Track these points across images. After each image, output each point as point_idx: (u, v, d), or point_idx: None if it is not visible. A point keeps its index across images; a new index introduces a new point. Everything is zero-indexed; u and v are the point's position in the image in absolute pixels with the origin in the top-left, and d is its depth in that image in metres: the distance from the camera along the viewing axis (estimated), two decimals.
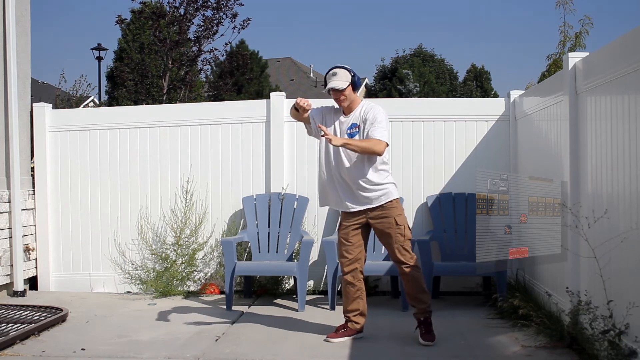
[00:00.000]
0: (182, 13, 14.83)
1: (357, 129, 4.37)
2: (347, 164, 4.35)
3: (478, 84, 44.54)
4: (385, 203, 4.38)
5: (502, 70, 73.51)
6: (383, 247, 5.14)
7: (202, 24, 15.00)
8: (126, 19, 16.44)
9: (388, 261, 5.44)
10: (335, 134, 4.39)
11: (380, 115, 4.31)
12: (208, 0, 14.91)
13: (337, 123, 4.45)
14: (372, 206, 4.38)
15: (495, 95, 38.25)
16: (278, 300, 6.05)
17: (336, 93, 4.36)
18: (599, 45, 4.21)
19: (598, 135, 4.13)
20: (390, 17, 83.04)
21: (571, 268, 4.45)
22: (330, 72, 4.40)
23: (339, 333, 4.55)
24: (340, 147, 4.27)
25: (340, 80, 4.33)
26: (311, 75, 45.63)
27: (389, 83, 38.08)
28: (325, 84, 4.43)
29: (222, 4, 14.98)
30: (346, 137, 4.33)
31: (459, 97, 37.60)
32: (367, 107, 4.40)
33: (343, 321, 4.62)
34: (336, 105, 4.52)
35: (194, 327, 5.01)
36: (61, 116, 6.87)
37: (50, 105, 6.90)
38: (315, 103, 6.90)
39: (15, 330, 4.65)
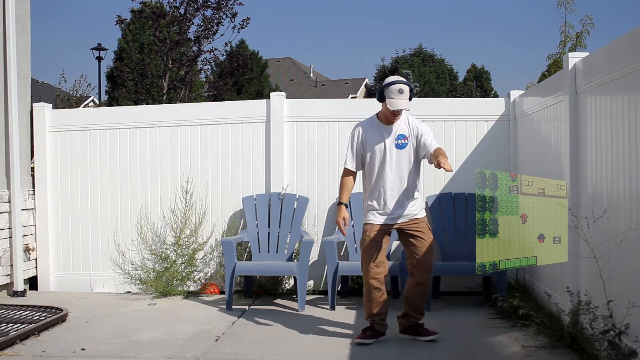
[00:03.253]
0: (182, 13, 14.82)
1: (406, 140, 4.45)
2: (405, 177, 4.46)
3: (478, 84, 44.55)
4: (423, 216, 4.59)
5: (502, 70, 73.60)
6: None
7: (202, 23, 14.99)
8: (126, 19, 16.41)
9: (389, 261, 5.42)
10: (386, 146, 4.46)
11: (428, 128, 4.53)
12: (208, 0, 14.91)
13: (387, 137, 4.47)
14: (419, 217, 4.53)
15: (495, 95, 38.22)
16: (278, 300, 6.05)
17: (399, 111, 4.39)
18: (599, 45, 4.21)
19: (598, 135, 4.13)
20: (391, 17, 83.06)
21: (571, 268, 4.45)
22: (397, 87, 4.33)
23: (368, 334, 4.51)
24: (398, 166, 4.44)
25: (407, 99, 4.34)
26: (311, 75, 45.64)
27: None
28: (383, 93, 4.37)
29: (222, 3, 14.97)
30: (394, 147, 4.44)
31: (459, 97, 37.57)
32: (413, 121, 4.52)
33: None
34: (369, 122, 4.57)
35: (194, 327, 5.01)
36: (61, 116, 6.87)
37: (50, 105, 6.90)
38: (318, 103, 6.91)
39: (15, 330, 4.65)
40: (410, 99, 4.37)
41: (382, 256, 4.51)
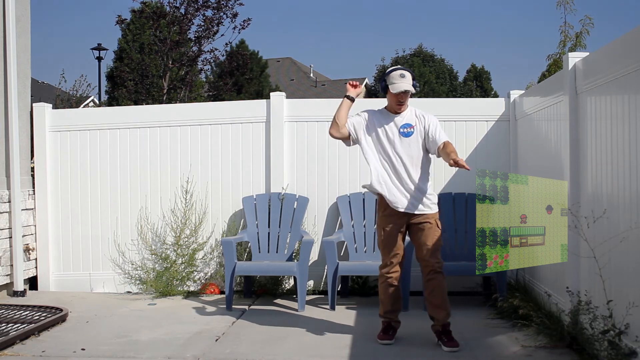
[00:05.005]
0: (182, 13, 14.82)
1: (412, 129, 4.40)
2: (414, 171, 4.41)
3: (478, 84, 44.55)
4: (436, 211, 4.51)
5: (502, 70, 73.61)
6: None
7: (203, 24, 14.99)
8: (126, 19, 16.41)
9: None
10: (391, 134, 4.41)
11: (436, 120, 4.48)
12: (208, 0, 14.91)
13: (392, 124, 4.43)
14: (432, 212, 4.45)
15: (495, 95, 38.22)
16: (278, 300, 6.05)
17: (403, 95, 4.36)
18: (599, 45, 4.21)
19: (598, 135, 4.13)
20: (391, 17, 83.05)
21: (571, 268, 4.45)
22: (398, 72, 4.36)
23: (390, 334, 4.50)
24: (404, 154, 4.38)
25: (409, 83, 4.35)
26: (311, 75, 45.64)
27: None
28: (384, 81, 4.40)
29: (223, 4, 14.97)
30: (399, 135, 4.40)
31: (459, 97, 37.57)
32: (420, 112, 4.49)
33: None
34: (376, 108, 4.54)
35: (194, 327, 5.01)
36: (61, 116, 6.87)
37: (50, 105, 6.90)
38: (318, 103, 6.92)
39: (15, 330, 4.65)
40: (414, 87, 4.35)
41: (401, 251, 4.48)
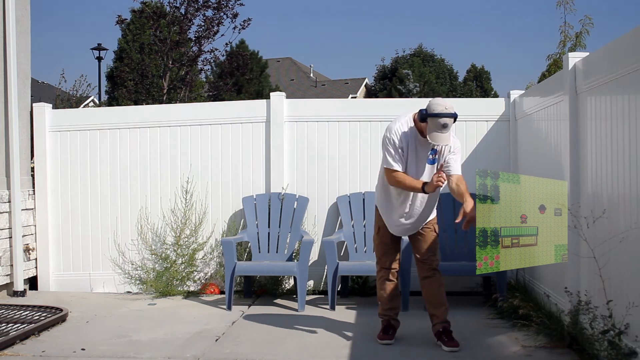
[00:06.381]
0: (182, 13, 14.82)
1: (437, 156, 4.31)
2: (425, 201, 4.38)
3: (478, 84, 44.56)
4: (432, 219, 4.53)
5: (502, 70, 73.55)
6: None
7: (203, 24, 14.98)
8: (126, 19, 16.41)
9: None
10: (419, 160, 4.30)
11: (459, 147, 4.35)
12: (209, 0, 14.91)
13: (423, 150, 4.30)
14: (424, 224, 4.48)
15: (495, 95, 38.19)
16: (278, 300, 6.05)
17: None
18: (599, 45, 4.21)
19: (598, 135, 4.13)
20: (391, 17, 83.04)
21: (571, 268, 4.45)
22: (442, 121, 4.05)
23: (390, 334, 4.51)
24: (425, 177, 4.29)
25: (449, 132, 4.11)
26: (311, 75, 45.61)
27: (389, 83, 38.13)
28: (426, 117, 4.10)
29: (223, 4, 14.95)
30: (426, 162, 4.30)
31: (459, 97, 37.56)
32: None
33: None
34: (406, 127, 4.31)
35: (194, 327, 5.01)
36: (61, 116, 6.87)
37: (50, 105, 6.90)
38: (318, 103, 6.91)
39: (15, 330, 4.66)
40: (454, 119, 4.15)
41: (397, 249, 4.52)
